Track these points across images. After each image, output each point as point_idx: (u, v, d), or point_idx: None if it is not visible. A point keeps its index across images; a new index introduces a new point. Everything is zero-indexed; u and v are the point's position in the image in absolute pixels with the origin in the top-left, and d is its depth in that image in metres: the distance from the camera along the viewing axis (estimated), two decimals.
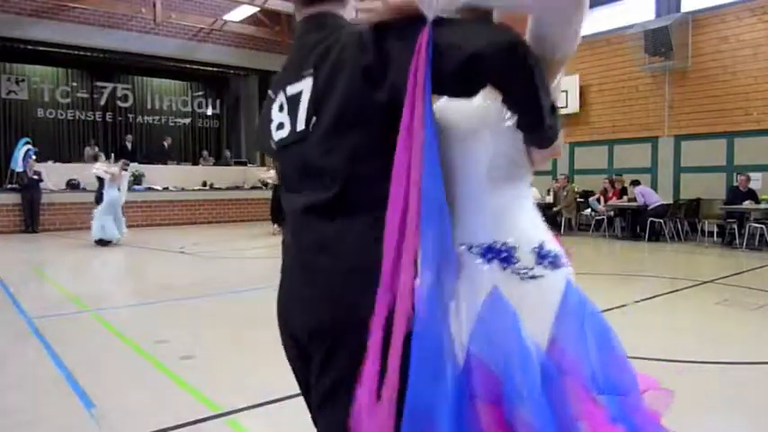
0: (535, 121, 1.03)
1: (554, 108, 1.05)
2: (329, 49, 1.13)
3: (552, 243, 1.21)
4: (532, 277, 1.14)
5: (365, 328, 1.03)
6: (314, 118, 1.14)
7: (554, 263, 1.18)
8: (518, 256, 1.14)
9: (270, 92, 1.30)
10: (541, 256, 1.16)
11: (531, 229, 1.19)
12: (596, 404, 1.10)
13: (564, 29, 1.04)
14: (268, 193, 16.67)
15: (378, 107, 1.08)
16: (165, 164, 15.58)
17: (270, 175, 14.26)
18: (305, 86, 1.16)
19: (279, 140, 1.24)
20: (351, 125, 1.10)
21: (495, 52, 0.95)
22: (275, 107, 1.25)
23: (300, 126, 1.17)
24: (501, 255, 1.14)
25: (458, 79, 1.01)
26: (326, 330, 1.15)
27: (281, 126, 1.23)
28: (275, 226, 13.92)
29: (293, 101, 1.19)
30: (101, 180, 10.41)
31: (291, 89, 1.20)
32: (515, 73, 0.98)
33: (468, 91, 1.05)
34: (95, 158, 10.38)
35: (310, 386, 1.28)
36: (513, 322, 1.09)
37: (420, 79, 0.99)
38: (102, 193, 10.23)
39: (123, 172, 10.52)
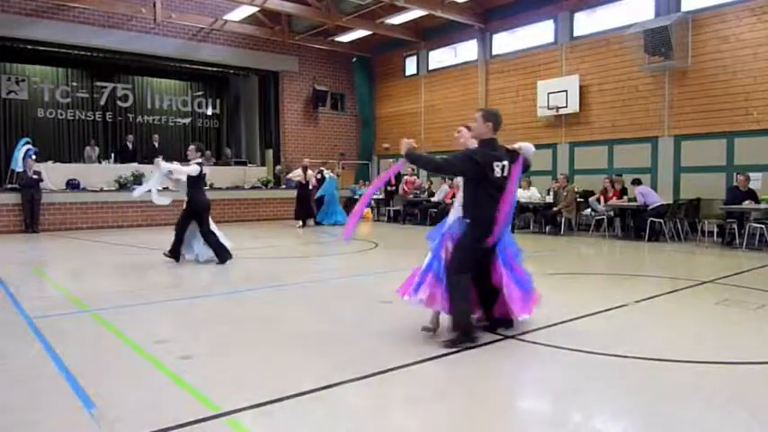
0: None
1: None
2: (506, 154, 4.19)
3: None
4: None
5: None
6: (506, 173, 4.15)
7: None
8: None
9: (491, 158, 4.08)
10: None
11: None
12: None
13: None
14: (269, 193, 16.77)
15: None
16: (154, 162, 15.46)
17: (297, 173, 14.44)
18: (506, 163, 4.14)
19: (497, 176, 4.09)
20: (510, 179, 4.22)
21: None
22: (496, 164, 4.08)
23: (505, 174, 4.13)
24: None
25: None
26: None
27: (497, 172, 4.08)
28: (300, 223, 14.02)
29: (503, 167, 4.12)
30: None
31: (503, 163, 4.12)
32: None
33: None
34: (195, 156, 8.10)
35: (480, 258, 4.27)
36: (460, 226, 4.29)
37: (517, 172, 4.22)
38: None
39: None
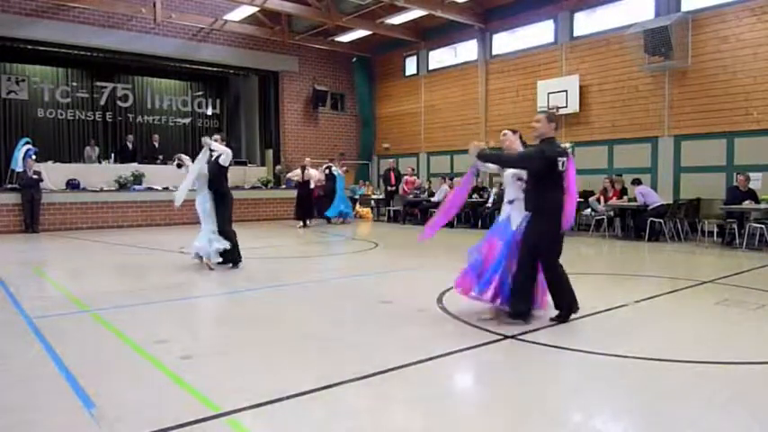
0: None
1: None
2: (564, 152, 4.74)
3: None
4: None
5: None
6: (563, 168, 4.67)
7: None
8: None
9: (556, 153, 4.63)
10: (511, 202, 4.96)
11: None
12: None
13: None
14: (269, 193, 16.76)
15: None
16: (155, 161, 15.52)
17: (296, 173, 14.59)
18: (564, 159, 4.67)
19: (559, 169, 4.64)
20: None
21: None
22: (559, 159, 4.62)
23: (562, 169, 4.66)
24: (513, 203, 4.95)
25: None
26: None
27: (559, 166, 4.62)
28: (300, 223, 14.03)
29: (562, 162, 4.65)
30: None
31: (563, 159, 4.66)
32: None
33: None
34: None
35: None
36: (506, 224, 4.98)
37: (573, 167, 4.82)
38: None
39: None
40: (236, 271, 7.53)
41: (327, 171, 15.10)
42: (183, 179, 7.56)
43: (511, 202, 4.91)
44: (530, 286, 4.65)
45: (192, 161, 7.71)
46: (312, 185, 14.36)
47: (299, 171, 14.40)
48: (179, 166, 7.81)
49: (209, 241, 7.37)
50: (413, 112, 18.00)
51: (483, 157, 4.86)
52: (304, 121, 18.64)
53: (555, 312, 4.75)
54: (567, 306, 4.71)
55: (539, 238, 4.62)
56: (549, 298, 4.81)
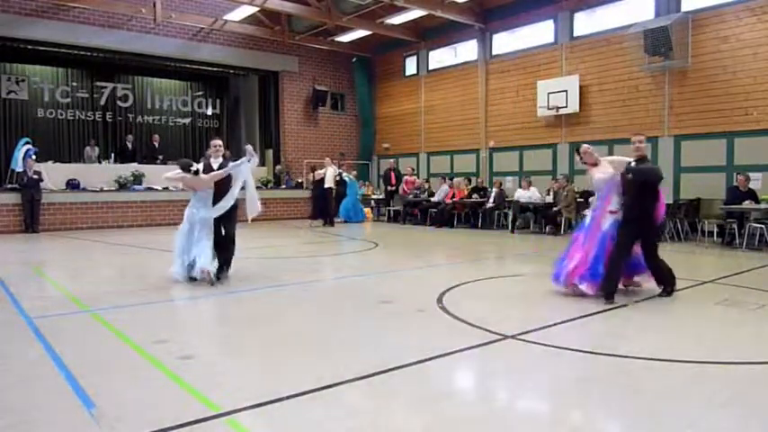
0: None
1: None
2: None
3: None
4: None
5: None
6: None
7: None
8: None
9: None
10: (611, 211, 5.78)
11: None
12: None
13: None
14: (269, 193, 16.73)
15: None
16: (155, 162, 15.53)
17: (309, 177, 15.18)
18: None
19: None
20: None
21: None
22: None
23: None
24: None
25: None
26: None
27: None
28: (314, 221, 14.50)
29: None
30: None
31: None
32: None
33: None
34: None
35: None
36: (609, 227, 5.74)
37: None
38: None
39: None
40: (236, 271, 7.51)
41: (339, 177, 15.25)
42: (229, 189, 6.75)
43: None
44: (616, 274, 5.49)
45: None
46: (329, 184, 14.48)
47: (310, 174, 14.85)
48: (196, 173, 7.12)
49: (207, 256, 6.64)
50: (413, 112, 18.00)
51: (630, 171, 5.54)
52: (304, 121, 18.63)
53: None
54: (670, 284, 5.72)
55: (634, 236, 5.56)
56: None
